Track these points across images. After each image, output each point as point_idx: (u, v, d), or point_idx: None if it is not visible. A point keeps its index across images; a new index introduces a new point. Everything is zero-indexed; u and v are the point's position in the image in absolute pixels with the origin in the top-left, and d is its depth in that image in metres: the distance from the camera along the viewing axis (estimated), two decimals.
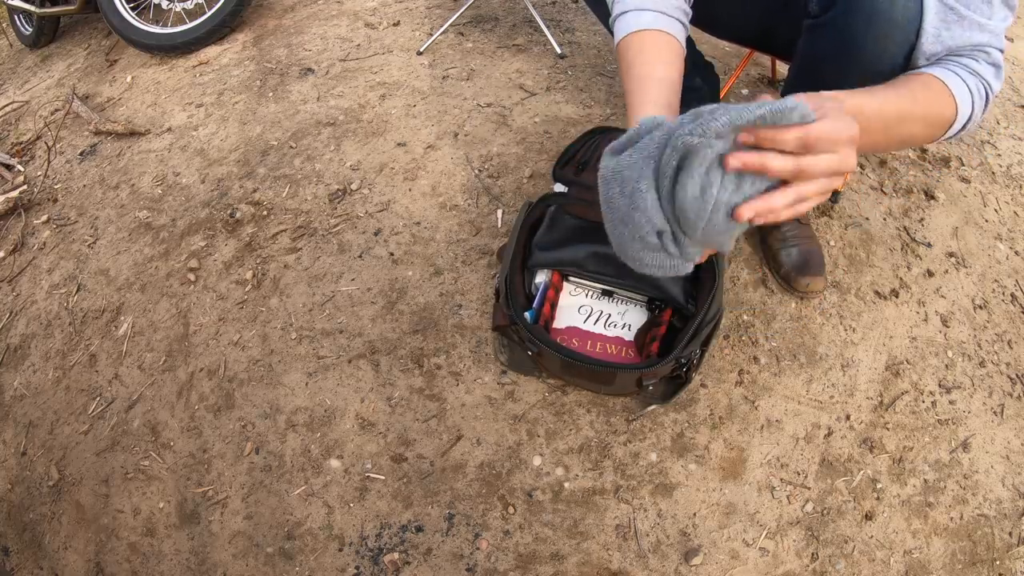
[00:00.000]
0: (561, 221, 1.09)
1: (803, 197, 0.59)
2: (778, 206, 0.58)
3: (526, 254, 1.08)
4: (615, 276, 1.05)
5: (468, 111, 1.57)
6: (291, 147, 1.54)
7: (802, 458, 1.06)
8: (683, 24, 0.87)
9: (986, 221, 1.41)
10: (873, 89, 0.71)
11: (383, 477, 1.05)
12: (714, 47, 1.68)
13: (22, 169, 1.71)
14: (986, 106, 0.76)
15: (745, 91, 1.61)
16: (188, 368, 1.20)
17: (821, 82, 0.88)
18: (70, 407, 1.22)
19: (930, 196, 1.42)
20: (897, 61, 0.80)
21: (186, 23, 1.94)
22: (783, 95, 1.03)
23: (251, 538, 1.03)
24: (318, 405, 1.12)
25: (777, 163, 0.56)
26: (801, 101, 0.55)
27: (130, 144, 1.68)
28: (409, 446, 1.07)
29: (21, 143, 1.83)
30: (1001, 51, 0.76)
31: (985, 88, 0.75)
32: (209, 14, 1.92)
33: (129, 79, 1.95)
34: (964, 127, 0.76)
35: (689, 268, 0.68)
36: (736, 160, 0.55)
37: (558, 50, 1.74)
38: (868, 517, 1.02)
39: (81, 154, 1.71)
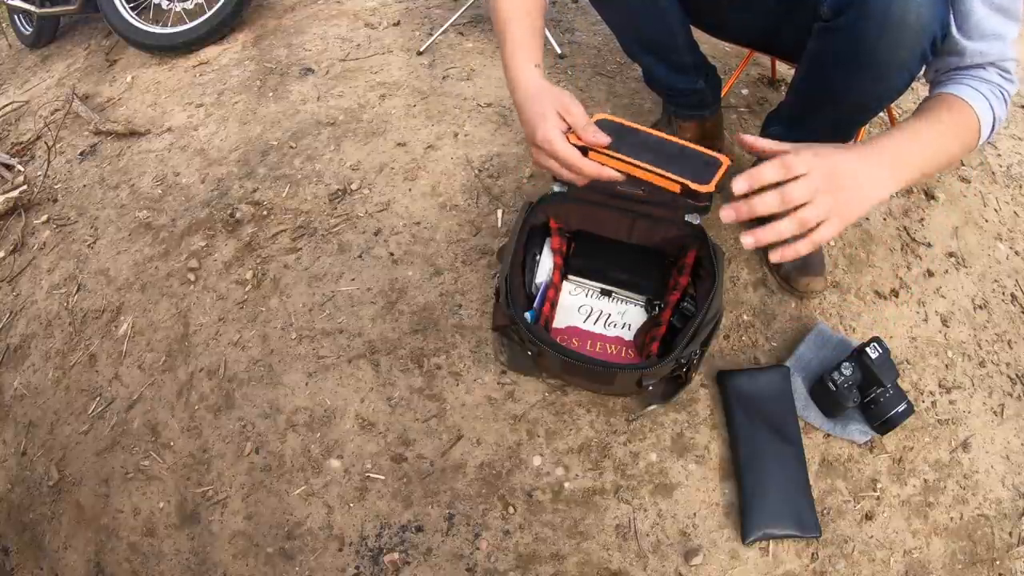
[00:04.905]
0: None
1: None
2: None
3: (526, 254, 1.08)
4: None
5: (468, 111, 1.57)
6: (291, 147, 1.54)
7: None
8: None
9: (986, 221, 1.41)
10: (909, 127, 0.75)
11: (383, 477, 1.05)
12: (714, 47, 1.68)
13: (22, 169, 1.71)
14: (1006, 106, 0.80)
15: (745, 91, 1.61)
16: (188, 368, 1.20)
17: (830, 85, 0.89)
18: (70, 407, 1.22)
19: (930, 196, 1.42)
20: (909, 68, 0.80)
21: (186, 23, 1.94)
22: (788, 96, 1.04)
23: (251, 538, 1.03)
24: (318, 405, 1.12)
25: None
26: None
27: (130, 144, 1.68)
28: (409, 446, 1.07)
29: (21, 143, 1.83)
30: (1012, 60, 0.79)
31: (1000, 91, 0.79)
32: (209, 14, 1.92)
33: (129, 79, 1.95)
34: (993, 130, 0.80)
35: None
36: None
37: (558, 50, 1.74)
38: (868, 517, 1.02)
39: (81, 154, 1.71)
